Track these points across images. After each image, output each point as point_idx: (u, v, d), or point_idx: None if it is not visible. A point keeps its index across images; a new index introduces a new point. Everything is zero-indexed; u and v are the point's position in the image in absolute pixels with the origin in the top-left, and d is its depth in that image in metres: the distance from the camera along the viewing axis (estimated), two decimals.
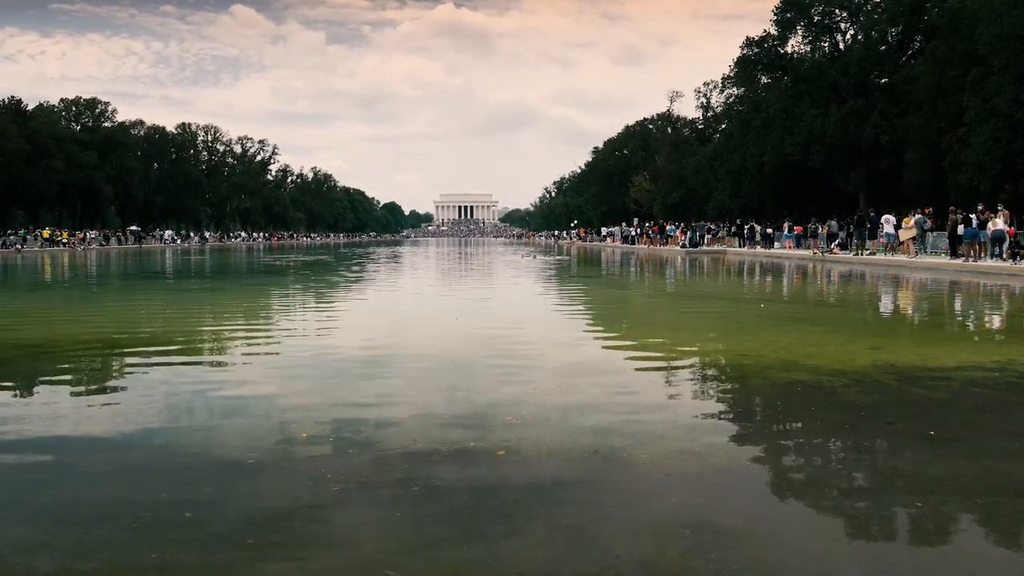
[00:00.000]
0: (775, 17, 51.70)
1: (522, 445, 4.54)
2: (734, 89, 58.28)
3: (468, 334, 9.84)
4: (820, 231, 37.68)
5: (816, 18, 50.77)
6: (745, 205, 58.42)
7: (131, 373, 7.16)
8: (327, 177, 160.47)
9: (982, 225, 24.50)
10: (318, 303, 15.81)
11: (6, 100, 71.47)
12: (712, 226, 52.07)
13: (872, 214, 32.18)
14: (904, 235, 29.07)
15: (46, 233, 62.29)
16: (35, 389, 6.51)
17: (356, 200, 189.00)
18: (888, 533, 3.37)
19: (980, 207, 25.62)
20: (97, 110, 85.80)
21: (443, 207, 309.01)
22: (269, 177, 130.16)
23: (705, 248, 45.12)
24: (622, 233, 64.56)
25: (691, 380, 6.84)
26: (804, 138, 47.85)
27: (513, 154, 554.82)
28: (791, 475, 4.17)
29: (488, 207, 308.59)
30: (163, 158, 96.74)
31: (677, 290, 19.20)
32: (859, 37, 49.65)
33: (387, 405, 5.68)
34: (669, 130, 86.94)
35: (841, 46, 51.00)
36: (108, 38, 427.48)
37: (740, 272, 25.91)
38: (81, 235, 64.88)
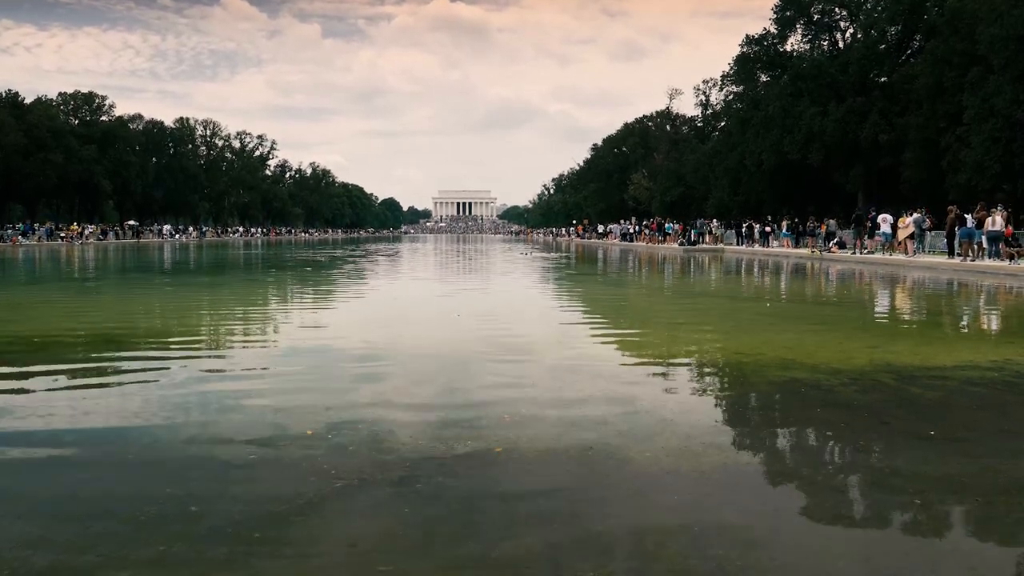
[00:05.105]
0: (775, 15, 51.73)
1: (520, 442, 4.55)
2: (733, 87, 58.30)
3: (469, 331, 9.85)
4: (819, 230, 37.73)
5: (816, 16, 50.78)
6: (744, 203, 58.44)
7: (131, 368, 7.15)
8: (325, 172, 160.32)
9: (979, 224, 24.51)
10: (317, 298, 15.82)
11: (3, 94, 71.29)
12: (707, 222, 52.06)
13: (873, 212, 32.19)
14: (901, 234, 29.11)
15: (74, 227, 62.91)
16: (32, 383, 6.49)
17: (354, 196, 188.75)
18: (886, 531, 3.38)
19: (978, 206, 25.62)
20: (95, 104, 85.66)
21: (441, 203, 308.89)
22: (267, 172, 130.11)
23: (703, 246, 45.16)
24: (621, 230, 64.58)
25: (689, 378, 6.85)
26: (803, 136, 47.87)
27: (512, 150, 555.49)
28: (789, 473, 4.17)
29: (487, 204, 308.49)
30: (161, 152, 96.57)
31: (675, 288, 19.22)
32: (858, 36, 49.67)
33: (388, 402, 5.68)
34: (668, 128, 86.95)
35: (840, 45, 51.02)
36: (105, 31, 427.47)
37: (738, 270, 25.92)
38: (79, 229, 64.84)
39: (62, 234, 61.09)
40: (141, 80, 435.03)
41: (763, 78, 55.60)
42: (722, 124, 69.09)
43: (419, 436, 4.67)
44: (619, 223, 69.86)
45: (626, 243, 58.52)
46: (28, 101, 74.43)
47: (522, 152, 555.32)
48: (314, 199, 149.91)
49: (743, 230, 46.11)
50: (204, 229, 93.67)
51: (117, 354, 7.99)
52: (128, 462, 4.27)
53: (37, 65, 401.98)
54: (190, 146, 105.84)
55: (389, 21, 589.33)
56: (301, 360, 7.52)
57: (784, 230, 41.08)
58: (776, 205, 55.40)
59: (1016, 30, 32.80)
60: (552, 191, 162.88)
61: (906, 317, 12.61)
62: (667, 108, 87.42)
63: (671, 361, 7.77)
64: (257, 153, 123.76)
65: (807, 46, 52.05)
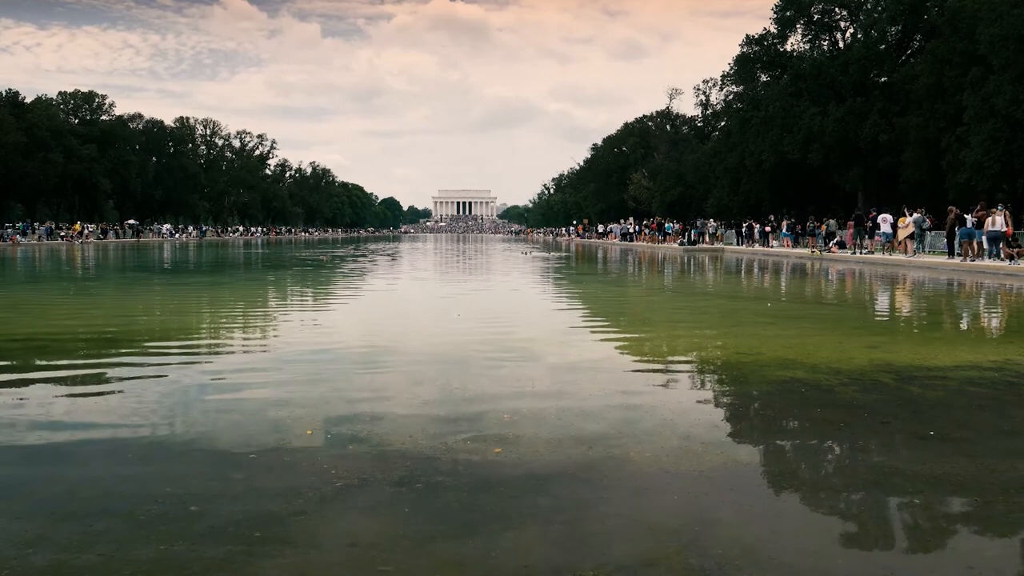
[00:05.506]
0: (775, 15, 51.74)
1: (520, 442, 4.55)
2: (733, 87, 58.31)
3: (469, 331, 9.85)
4: (818, 230, 37.74)
5: (816, 16, 50.80)
6: (744, 203, 58.45)
7: (131, 367, 7.15)
8: (325, 172, 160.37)
9: (979, 224, 24.49)
10: (317, 298, 15.83)
11: (3, 93, 71.31)
12: (705, 222, 51.95)
13: (873, 212, 32.16)
14: (901, 234, 29.10)
15: (76, 227, 63.32)
16: (32, 383, 6.49)
17: (354, 195, 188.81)
18: (885, 531, 3.38)
19: (978, 206, 25.59)
20: (95, 103, 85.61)
21: (441, 203, 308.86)
22: (267, 171, 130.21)
23: (703, 246, 45.18)
24: (621, 230, 64.61)
25: (688, 377, 6.85)
26: (803, 136, 47.89)
27: (512, 150, 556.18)
28: (789, 473, 4.17)
29: (487, 203, 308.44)
30: (161, 152, 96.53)
31: (675, 287, 19.22)
32: (859, 36, 49.70)
33: (388, 401, 5.69)
34: (668, 127, 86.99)
35: (841, 44, 51.04)
36: (105, 30, 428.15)
37: (737, 270, 25.92)
38: (80, 228, 64.94)
39: (62, 233, 61.17)
40: (141, 79, 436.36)
41: (763, 78, 55.60)
42: (722, 124, 69.11)
43: (419, 436, 4.67)
44: (619, 223, 69.85)
45: (626, 243, 58.51)
46: (28, 100, 74.48)
47: (522, 152, 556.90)
48: (314, 199, 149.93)
49: (743, 230, 46.14)
50: (204, 229, 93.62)
51: (117, 354, 7.99)
52: (128, 461, 4.27)
53: (37, 64, 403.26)
54: (190, 145, 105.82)
55: (388, 20, 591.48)
56: (301, 360, 7.52)
57: (784, 230, 41.12)
58: (776, 205, 55.44)
59: (1016, 30, 32.79)
60: (552, 191, 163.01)
61: (906, 317, 12.62)
62: (667, 108, 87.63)
63: (671, 361, 7.77)
64: (257, 152, 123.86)
65: (807, 46, 52.08)
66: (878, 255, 29.22)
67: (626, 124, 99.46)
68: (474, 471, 4.05)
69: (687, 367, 7.44)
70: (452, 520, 3.40)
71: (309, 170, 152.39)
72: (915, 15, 46.36)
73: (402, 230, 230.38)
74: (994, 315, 13.01)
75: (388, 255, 40.60)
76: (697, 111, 77.97)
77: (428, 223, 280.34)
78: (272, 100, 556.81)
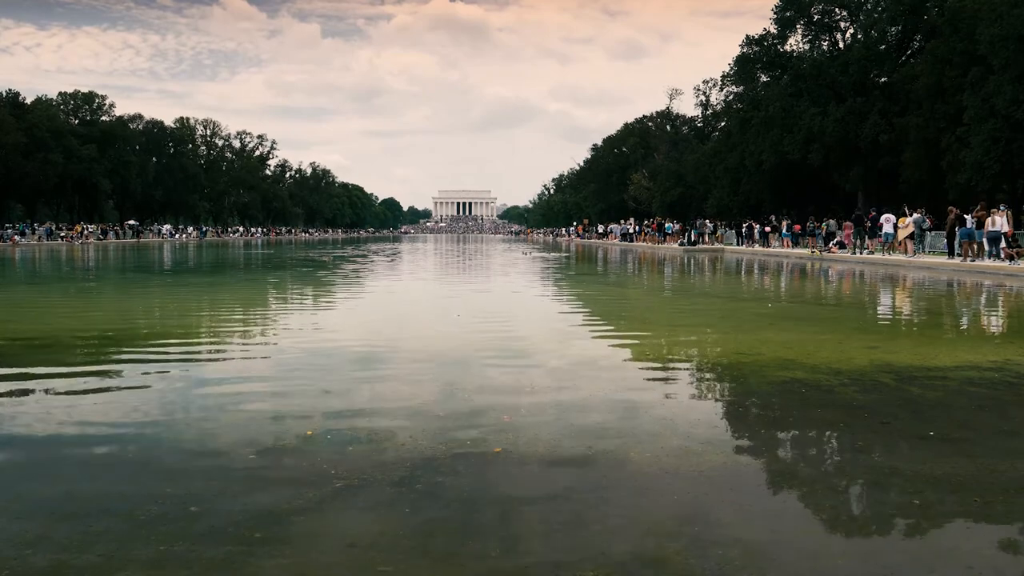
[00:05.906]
0: (775, 15, 51.76)
1: (520, 443, 4.55)
2: (733, 87, 58.30)
3: (469, 332, 9.85)
4: (818, 230, 37.74)
5: (816, 17, 50.83)
6: (744, 203, 58.46)
7: (131, 368, 7.15)
8: (325, 172, 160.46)
9: (979, 224, 24.46)
10: (317, 299, 15.82)
11: (3, 93, 71.37)
12: (704, 222, 51.86)
13: (874, 213, 32.14)
14: (901, 234, 29.10)
15: (78, 227, 63.67)
16: (32, 383, 6.49)
17: (355, 196, 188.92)
18: (885, 531, 3.38)
19: (978, 206, 25.55)
20: (95, 103, 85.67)
21: (442, 203, 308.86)
22: (268, 172, 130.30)
23: (703, 246, 45.18)
24: (621, 231, 64.58)
25: (688, 378, 6.85)
26: (803, 137, 47.90)
27: (512, 150, 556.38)
28: (789, 473, 4.17)
29: (487, 204, 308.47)
30: (161, 152, 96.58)
31: (675, 288, 19.22)
32: (859, 36, 49.72)
33: (388, 402, 5.69)
34: (668, 128, 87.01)
35: (841, 45, 51.07)
36: (105, 31, 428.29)
37: (738, 270, 25.92)
38: (81, 228, 65.01)
39: (62, 234, 61.21)
40: (141, 80, 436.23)
41: (763, 78, 55.60)
42: (722, 124, 69.14)
43: (419, 436, 4.67)
44: (619, 223, 69.80)
45: (626, 243, 58.50)
46: (28, 101, 74.54)
47: (522, 152, 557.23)
48: (314, 199, 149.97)
49: (743, 230, 46.17)
50: (204, 229, 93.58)
51: (117, 355, 8.00)
52: (128, 462, 4.27)
53: (37, 65, 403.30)
54: (190, 146, 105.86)
55: (388, 21, 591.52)
56: (301, 361, 7.52)
57: (784, 230, 41.14)
58: (776, 205, 55.44)
59: (1016, 30, 32.78)
60: (552, 191, 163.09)
61: (906, 317, 12.61)
62: (667, 108, 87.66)
63: (671, 361, 7.77)
64: (257, 153, 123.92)
65: (807, 46, 52.10)
66: (878, 255, 29.21)
67: (626, 124, 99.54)
68: (474, 471, 4.05)
69: (687, 368, 7.44)
70: (452, 520, 3.40)
71: (309, 170, 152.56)
72: (915, 15, 46.37)
73: (402, 230, 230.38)
74: (994, 315, 13.00)
75: (389, 256, 40.58)
76: (697, 111, 78.08)
77: (428, 223, 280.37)
78: (272, 100, 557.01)
